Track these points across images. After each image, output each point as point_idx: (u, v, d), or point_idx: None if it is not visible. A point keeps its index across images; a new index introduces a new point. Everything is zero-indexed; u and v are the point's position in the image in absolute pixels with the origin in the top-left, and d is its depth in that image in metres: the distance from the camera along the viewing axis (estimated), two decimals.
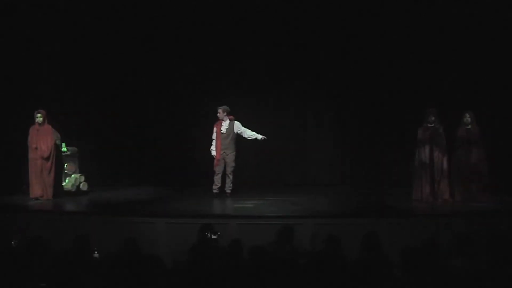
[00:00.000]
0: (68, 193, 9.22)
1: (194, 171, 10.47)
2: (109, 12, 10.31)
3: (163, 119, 10.84)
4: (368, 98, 10.51)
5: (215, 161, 9.03)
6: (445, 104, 9.03)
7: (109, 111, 10.66)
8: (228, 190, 9.02)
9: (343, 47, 10.49)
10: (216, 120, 9.10)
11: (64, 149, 9.34)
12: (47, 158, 8.78)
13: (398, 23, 10.04)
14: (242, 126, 9.01)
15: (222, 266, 4.60)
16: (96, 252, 5.41)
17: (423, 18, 9.90)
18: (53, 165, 8.85)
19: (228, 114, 9.03)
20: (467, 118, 8.42)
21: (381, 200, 8.86)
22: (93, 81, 10.54)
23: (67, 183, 9.36)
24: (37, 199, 8.71)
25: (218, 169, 9.00)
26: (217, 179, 9.01)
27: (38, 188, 8.74)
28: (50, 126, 8.88)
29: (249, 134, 8.98)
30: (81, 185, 9.49)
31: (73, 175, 9.43)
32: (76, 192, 9.34)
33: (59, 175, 9.13)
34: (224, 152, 8.96)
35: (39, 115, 8.78)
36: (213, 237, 5.57)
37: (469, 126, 8.42)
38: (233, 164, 8.97)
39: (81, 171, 9.56)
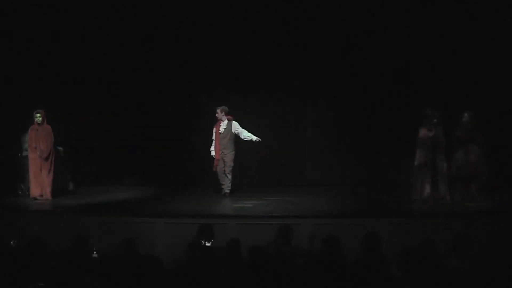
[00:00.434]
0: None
1: (193, 171, 10.47)
2: (109, 12, 10.30)
3: (163, 119, 10.82)
4: (368, 98, 10.50)
5: (215, 161, 9.04)
6: (445, 104, 9.02)
7: (109, 111, 10.65)
8: (227, 190, 9.02)
9: (343, 47, 10.47)
10: (216, 121, 9.12)
11: None
12: (46, 158, 8.77)
13: (398, 23, 10.03)
14: (240, 127, 9.03)
15: (221, 266, 4.60)
16: (95, 252, 5.42)
17: (423, 18, 9.89)
18: (52, 165, 8.82)
19: (227, 114, 9.05)
20: (466, 118, 8.42)
21: (381, 200, 8.85)
22: (93, 81, 10.53)
23: None
24: (36, 199, 8.69)
25: (219, 169, 9.02)
26: (222, 179, 9.02)
27: (37, 188, 8.73)
28: (49, 126, 8.86)
29: (245, 135, 9.01)
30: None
31: None
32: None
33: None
34: (222, 152, 8.97)
35: (38, 115, 8.76)
36: (207, 244, 5.57)
37: (468, 126, 8.41)
38: (231, 163, 8.98)
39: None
